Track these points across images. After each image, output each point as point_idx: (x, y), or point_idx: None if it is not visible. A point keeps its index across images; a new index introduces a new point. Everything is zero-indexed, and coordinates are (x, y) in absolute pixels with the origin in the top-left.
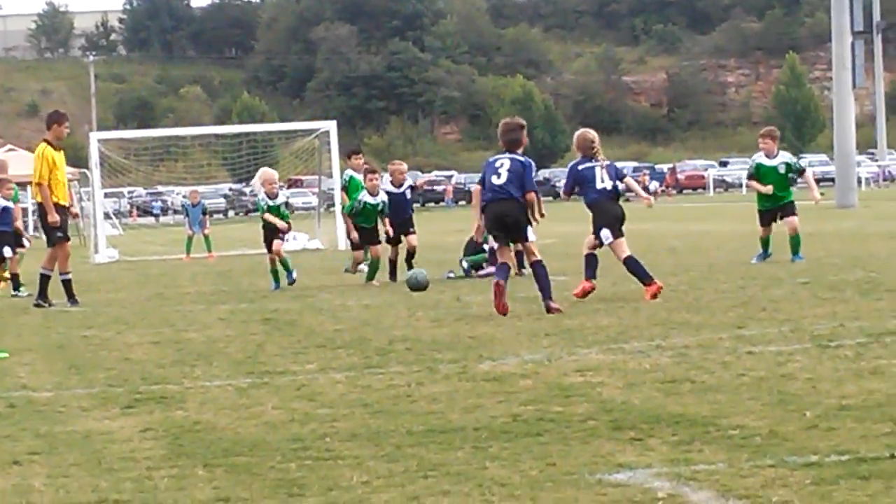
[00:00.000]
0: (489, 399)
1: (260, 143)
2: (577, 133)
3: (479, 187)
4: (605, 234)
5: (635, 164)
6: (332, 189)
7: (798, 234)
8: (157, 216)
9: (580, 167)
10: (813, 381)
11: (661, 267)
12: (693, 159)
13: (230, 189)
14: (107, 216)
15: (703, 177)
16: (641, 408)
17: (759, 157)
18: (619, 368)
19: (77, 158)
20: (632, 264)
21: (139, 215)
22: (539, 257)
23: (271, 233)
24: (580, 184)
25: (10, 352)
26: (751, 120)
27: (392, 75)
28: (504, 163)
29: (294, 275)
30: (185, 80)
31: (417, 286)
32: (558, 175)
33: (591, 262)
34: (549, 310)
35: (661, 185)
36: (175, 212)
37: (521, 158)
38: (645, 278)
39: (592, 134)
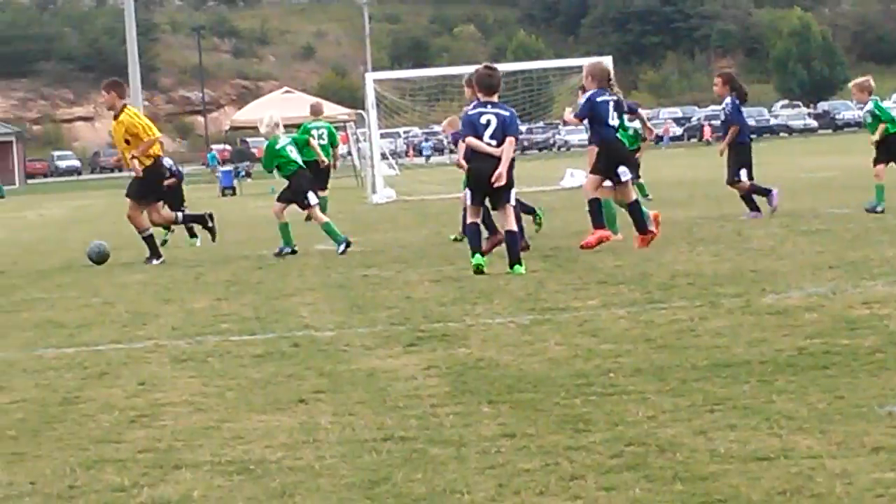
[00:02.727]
0: (773, 333)
1: (535, 81)
2: (593, 62)
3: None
4: (624, 171)
5: None
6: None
7: None
8: (427, 157)
9: (598, 98)
10: None
11: None
12: None
13: None
14: (383, 156)
15: None
16: None
17: None
18: None
19: (353, 99)
20: (635, 209)
21: (415, 155)
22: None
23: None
24: (594, 117)
25: (294, 292)
26: None
27: (667, 10)
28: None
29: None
30: (458, 19)
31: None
32: (837, 107)
33: (597, 208)
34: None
35: None
36: (451, 151)
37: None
38: (640, 225)
39: (608, 65)
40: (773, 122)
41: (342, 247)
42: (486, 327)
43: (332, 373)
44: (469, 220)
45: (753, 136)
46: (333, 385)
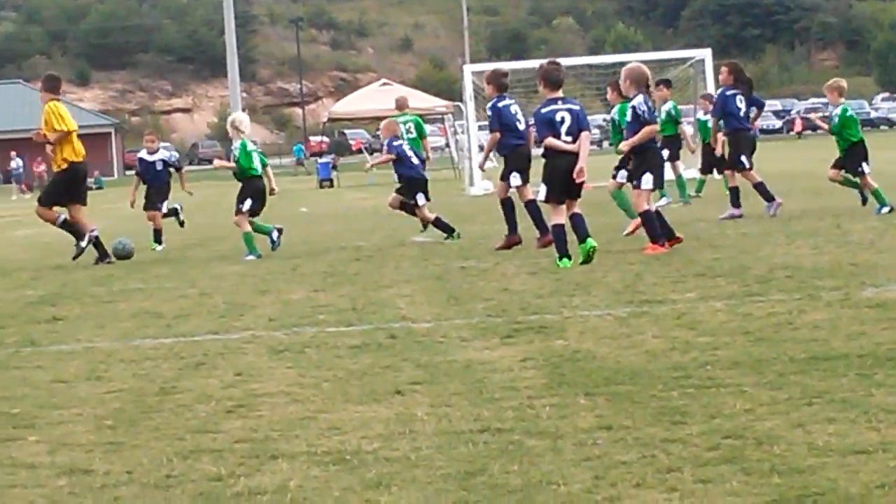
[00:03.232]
0: (873, 326)
1: None
2: (632, 66)
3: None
4: (649, 178)
5: None
6: (699, 118)
7: None
8: None
9: (649, 103)
10: None
11: None
12: None
13: (604, 120)
14: (481, 148)
15: None
16: None
17: None
18: None
19: (451, 91)
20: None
21: None
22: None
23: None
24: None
25: (391, 283)
26: None
27: (767, 2)
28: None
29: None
30: (557, 11)
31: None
32: None
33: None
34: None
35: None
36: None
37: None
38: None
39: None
40: (873, 115)
41: (251, 257)
42: (583, 319)
43: (429, 364)
44: (554, 222)
45: None
46: (430, 376)
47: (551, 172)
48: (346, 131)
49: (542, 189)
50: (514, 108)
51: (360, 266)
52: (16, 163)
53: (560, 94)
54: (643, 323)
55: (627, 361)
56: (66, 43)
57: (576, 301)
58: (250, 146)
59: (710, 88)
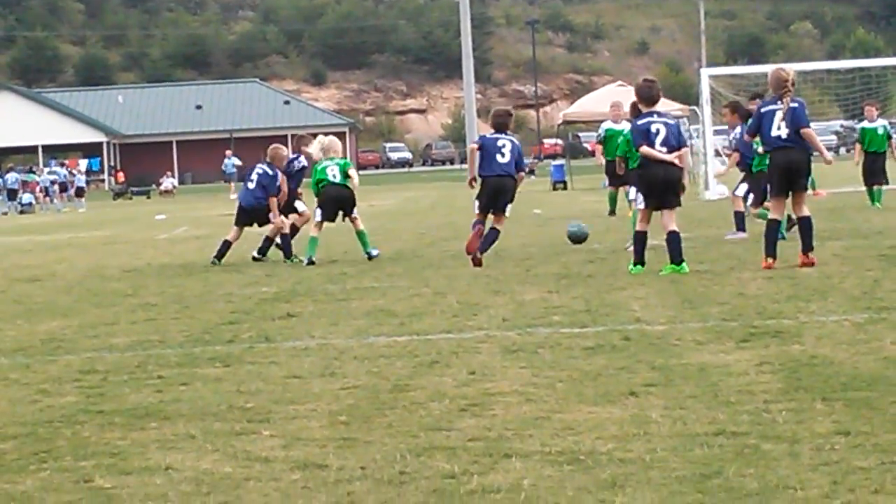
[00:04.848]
0: None
1: (873, 79)
2: (774, 68)
3: (475, 147)
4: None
5: None
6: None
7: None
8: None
9: (764, 109)
10: None
11: None
12: None
13: (841, 126)
14: (716, 153)
15: None
16: None
17: None
18: None
19: (686, 96)
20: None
21: None
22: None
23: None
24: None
25: (625, 286)
26: None
27: None
28: (506, 144)
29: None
30: (795, 16)
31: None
32: None
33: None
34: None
35: None
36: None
37: (517, 141)
38: None
39: (788, 72)
40: None
41: (369, 255)
42: (819, 325)
43: (664, 367)
44: (637, 229)
45: None
46: (664, 379)
47: (647, 181)
48: (580, 134)
49: (640, 198)
50: (504, 142)
51: (593, 268)
52: (231, 161)
53: (656, 108)
54: (881, 329)
55: (865, 367)
56: (303, 43)
57: (812, 306)
58: (322, 164)
59: None
